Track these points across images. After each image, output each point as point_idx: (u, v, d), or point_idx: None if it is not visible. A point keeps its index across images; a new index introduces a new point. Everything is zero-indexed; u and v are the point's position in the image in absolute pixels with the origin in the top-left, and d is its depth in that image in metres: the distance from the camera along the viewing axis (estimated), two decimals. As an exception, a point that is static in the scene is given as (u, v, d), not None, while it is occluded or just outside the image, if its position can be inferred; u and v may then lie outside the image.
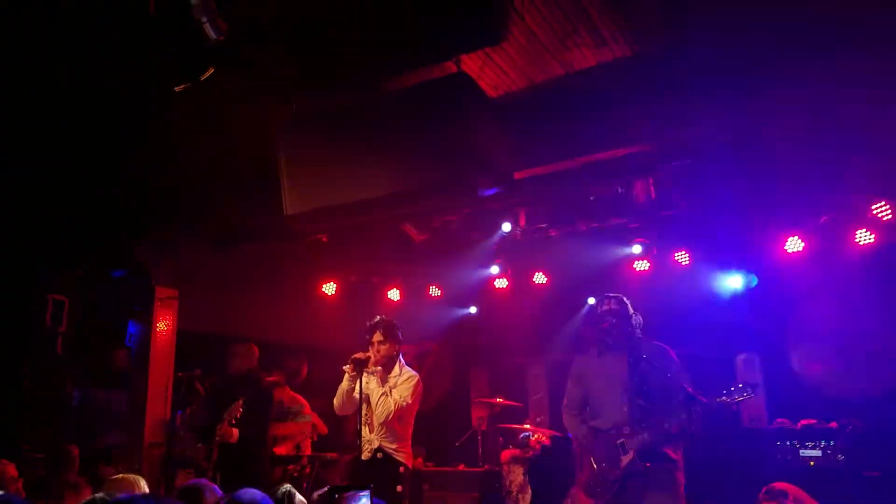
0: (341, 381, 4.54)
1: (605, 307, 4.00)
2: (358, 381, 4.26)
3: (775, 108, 4.50)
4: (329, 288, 6.86)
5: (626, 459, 3.67)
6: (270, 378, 5.67)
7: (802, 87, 4.30)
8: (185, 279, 6.27)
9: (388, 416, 4.32)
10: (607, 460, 3.75)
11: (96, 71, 4.22)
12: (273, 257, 6.16)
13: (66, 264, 5.99)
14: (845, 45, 4.06)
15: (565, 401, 4.16)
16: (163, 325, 5.93)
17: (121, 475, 3.22)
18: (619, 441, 3.72)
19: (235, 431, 4.85)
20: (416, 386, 4.39)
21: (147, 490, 3.13)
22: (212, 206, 5.76)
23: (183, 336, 6.22)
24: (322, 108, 4.55)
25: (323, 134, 4.45)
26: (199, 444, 4.87)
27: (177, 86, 4.00)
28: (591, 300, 6.10)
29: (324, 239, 5.63)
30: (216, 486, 2.88)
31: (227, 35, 3.39)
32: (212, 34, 3.40)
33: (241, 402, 4.73)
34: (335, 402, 4.51)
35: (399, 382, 4.41)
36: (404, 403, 4.30)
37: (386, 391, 4.38)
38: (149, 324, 5.89)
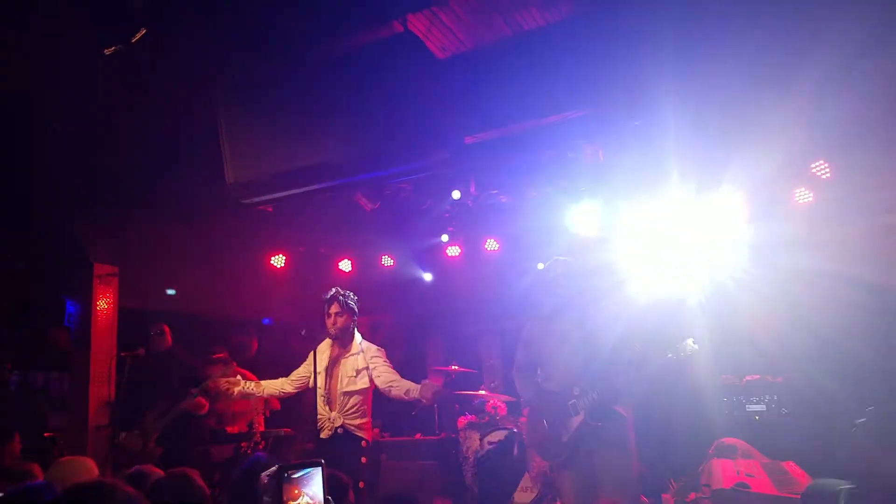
0: (293, 354, 4.53)
1: (553, 271, 4.03)
2: (313, 367, 4.26)
3: (719, 69, 4.54)
4: (278, 260, 6.69)
5: (577, 420, 3.71)
6: (216, 355, 5.53)
7: (741, 52, 4.33)
8: (125, 255, 6.01)
9: (356, 388, 4.34)
10: (559, 421, 3.79)
11: (22, 41, 3.95)
12: (218, 230, 5.94)
13: (-5, 245, 5.69)
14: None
15: (516, 365, 4.19)
16: (103, 304, 5.68)
17: (68, 458, 3.09)
18: (570, 402, 3.75)
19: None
20: (386, 361, 4.48)
21: (96, 472, 3.03)
22: (151, 179, 5.51)
23: (126, 314, 6.00)
24: (261, 73, 4.36)
25: (264, 101, 4.28)
26: (135, 430, 4.75)
27: (106, 49, 3.78)
28: (541, 265, 6.14)
29: (269, 209, 5.45)
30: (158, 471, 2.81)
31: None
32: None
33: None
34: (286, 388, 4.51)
35: (370, 357, 4.39)
36: (381, 382, 4.34)
37: (357, 365, 4.35)
38: (88, 302, 5.63)
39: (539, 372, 4.06)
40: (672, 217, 6.39)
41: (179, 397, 4.78)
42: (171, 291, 6.26)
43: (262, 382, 4.58)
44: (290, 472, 1.79)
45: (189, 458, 4.97)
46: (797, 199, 5.81)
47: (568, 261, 4.07)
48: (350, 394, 4.37)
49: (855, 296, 5.89)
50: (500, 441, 5.73)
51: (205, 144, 4.68)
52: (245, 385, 4.49)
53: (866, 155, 5.39)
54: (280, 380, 4.63)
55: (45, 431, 5.90)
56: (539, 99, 4.80)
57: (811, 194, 5.76)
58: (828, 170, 5.56)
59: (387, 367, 4.42)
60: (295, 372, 4.63)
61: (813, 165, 5.60)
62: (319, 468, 1.84)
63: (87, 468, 2.94)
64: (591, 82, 4.68)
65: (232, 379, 4.51)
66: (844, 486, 1.74)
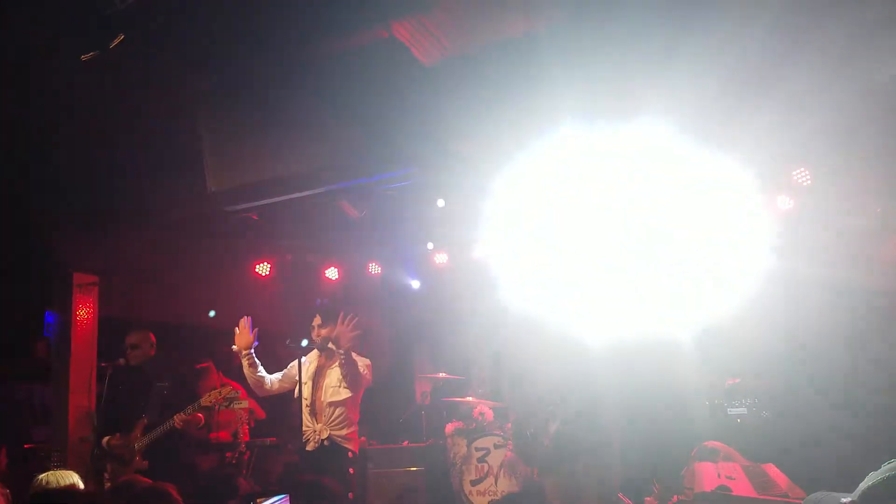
0: (279, 364, 4.50)
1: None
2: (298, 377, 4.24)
3: (701, 75, 4.57)
4: (263, 268, 6.64)
5: (555, 426, 3.73)
6: (200, 365, 5.47)
7: (723, 59, 4.36)
8: (106, 265, 5.95)
9: (339, 398, 4.31)
10: (541, 427, 3.81)
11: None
12: (201, 238, 5.89)
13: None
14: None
15: (504, 372, 4.20)
16: (83, 314, 5.61)
17: (47, 474, 3.03)
18: (549, 408, 3.78)
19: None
20: (369, 370, 4.47)
21: (81, 485, 2.99)
22: (132, 188, 5.45)
23: (109, 324, 5.92)
24: (242, 79, 4.33)
25: (245, 108, 4.26)
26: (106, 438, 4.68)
27: (83, 55, 3.75)
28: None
29: (254, 217, 5.41)
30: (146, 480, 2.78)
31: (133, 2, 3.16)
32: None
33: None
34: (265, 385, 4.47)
35: (351, 367, 4.37)
36: (358, 388, 4.31)
37: (341, 374, 4.32)
38: (67, 313, 5.56)
39: (525, 379, 4.06)
40: (658, 218, 6.45)
41: (168, 410, 4.71)
42: (212, 314, 6.22)
43: (265, 373, 4.52)
44: (254, 501, 1.76)
45: (176, 470, 4.91)
46: (779, 204, 5.87)
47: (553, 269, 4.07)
48: (335, 404, 4.37)
49: (835, 300, 5.95)
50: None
51: (186, 152, 4.65)
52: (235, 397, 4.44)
53: (847, 161, 5.46)
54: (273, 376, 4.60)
55: (27, 443, 5.82)
56: (525, 106, 4.79)
57: (792, 201, 5.83)
58: (808, 177, 5.62)
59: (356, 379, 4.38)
60: (281, 374, 4.59)
61: (795, 172, 5.66)
62: (286, 498, 1.81)
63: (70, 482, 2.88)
64: (581, 88, 4.68)
65: (226, 391, 4.48)
66: (845, 499, 1.72)
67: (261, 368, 4.51)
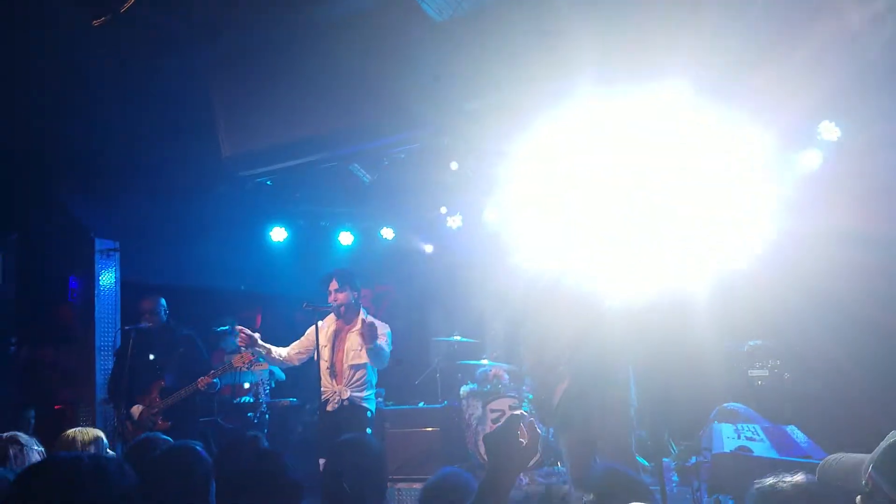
0: (296, 328, 4.56)
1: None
2: (316, 340, 4.29)
3: (723, 32, 4.44)
4: (278, 234, 6.69)
5: (561, 387, 3.72)
6: (221, 329, 5.57)
7: (746, 14, 4.24)
8: (126, 231, 6.03)
9: (361, 361, 4.37)
10: (552, 389, 3.82)
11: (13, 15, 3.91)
12: (217, 204, 5.94)
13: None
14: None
15: (520, 334, 4.21)
16: (105, 279, 5.72)
17: (75, 430, 3.11)
18: (560, 369, 3.78)
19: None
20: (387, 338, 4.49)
21: (105, 441, 3.07)
22: (149, 155, 5.48)
23: (129, 289, 6.03)
24: (255, 44, 4.30)
25: (257, 72, 4.24)
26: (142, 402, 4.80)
27: (95, 20, 3.73)
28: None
29: (268, 182, 5.43)
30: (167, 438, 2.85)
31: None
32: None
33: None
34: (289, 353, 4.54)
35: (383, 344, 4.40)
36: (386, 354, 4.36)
37: (360, 338, 4.37)
38: (91, 277, 5.67)
39: (539, 341, 4.07)
40: (677, 178, 6.36)
41: (186, 373, 4.81)
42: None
43: (274, 348, 4.59)
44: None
45: (197, 430, 5.04)
46: (803, 161, 5.74)
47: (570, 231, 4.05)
48: (356, 367, 4.42)
49: (863, 258, 5.86)
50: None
51: (201, 119, 4.65)
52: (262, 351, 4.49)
53: (872, 115, 5.32)
54: (287, 348, 4.67)
55: (56, 404, 5.99)
56: (538, 62, 4.67)
57: (818, 157, 5.70)
58: (835, 132, 5.48)
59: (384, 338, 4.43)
60: (297, 343, 4.65)
61: (821, 126, 5.51)
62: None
63: (86, 440, 2.95)
64: (599, 43, 4.55)
65: (246, 355, 4.54)
66: (867, 460, 1.66)
67: (274, 350, 4.56)
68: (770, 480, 1.75)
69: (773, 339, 5.99)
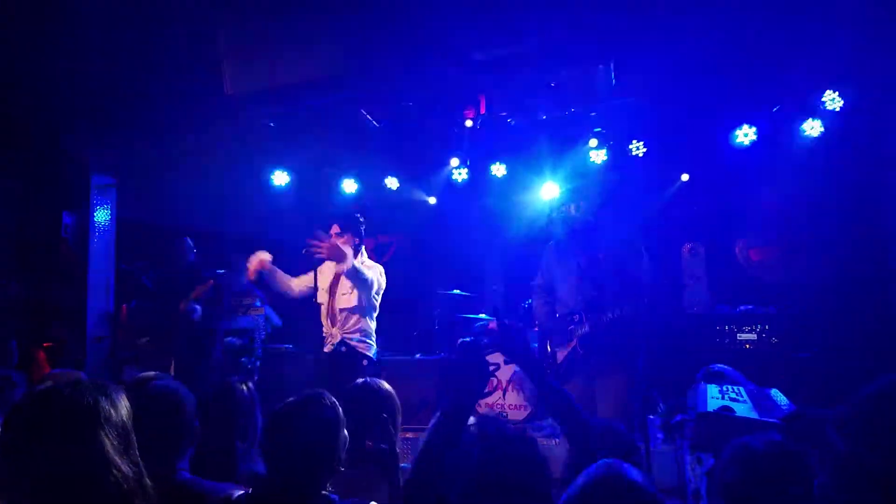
0: (298, 274, 4.52)
1: (566, 202, 3.98)
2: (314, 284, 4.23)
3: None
4: (280, 178, 6.55)
5: (569, 345, 3.78)
6: (219, 272, 5.49)
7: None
8: (123, 167, 5.88)
9: (350, 305, 4.34)
10: (558, 345, 3.88)
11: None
12: (218, 143, 5.78)
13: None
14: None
15: (536, 284, 4.21)
16: (101, 215, 5.59)
17: (58, 371, 3.07)
18: (569, 327, 3.79)
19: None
20: (381, 274, 4.46)
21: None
22: (149, 90, 5.30)
23: (126, 226, 5.93)
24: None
25: (263, 9, 4.05)
26: (145, 339, 4.75)
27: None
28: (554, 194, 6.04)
29: (270, 124, 5.27)
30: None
31: None
32: None
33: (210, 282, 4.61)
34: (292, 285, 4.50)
35: (364, 270, 4.35)
36: (370, 287, 4.29)
37: (353, 279, 4.32)
38: (85, 213, 5.55)
39: (552, 295, 4.10)
40: (675, 147, 6.33)
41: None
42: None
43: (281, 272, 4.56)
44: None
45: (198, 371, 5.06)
46: (805, 130, 5.68)
47: (579, 192, 3.99)
48: (346, 310, 4.41)
49: (853, 229, 5.87)
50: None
51: (205, 52, 4.48)
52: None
53: (879, 85, 5.26)
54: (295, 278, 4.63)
55: (46, 341, 5.95)
56: (551, 17, 4.52)
57: (821, 125, 5.64)
58: (839, 101, 5.41)
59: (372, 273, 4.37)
60: (303, 277, 4.61)
61: (824, 97, 5.44)
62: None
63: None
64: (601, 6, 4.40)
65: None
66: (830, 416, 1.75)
67: (281, 273, 4.53)
68: (745, 440, 1.85)
69: (764, 304, 6.06)
